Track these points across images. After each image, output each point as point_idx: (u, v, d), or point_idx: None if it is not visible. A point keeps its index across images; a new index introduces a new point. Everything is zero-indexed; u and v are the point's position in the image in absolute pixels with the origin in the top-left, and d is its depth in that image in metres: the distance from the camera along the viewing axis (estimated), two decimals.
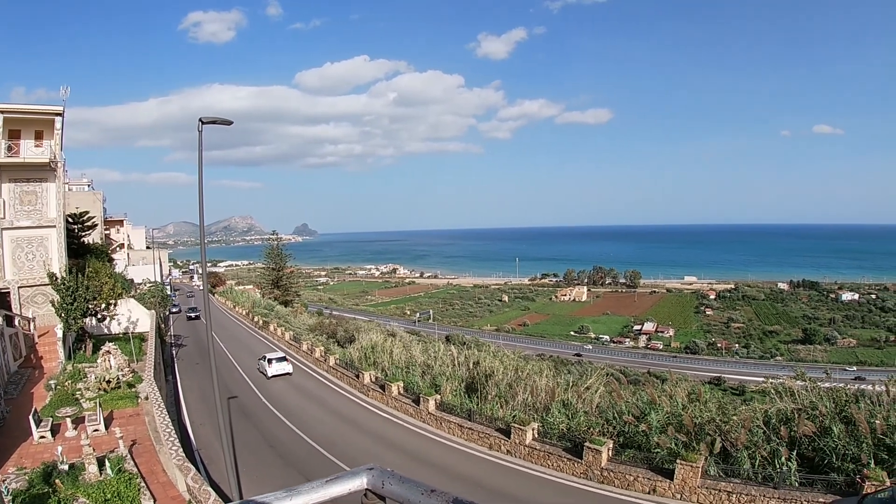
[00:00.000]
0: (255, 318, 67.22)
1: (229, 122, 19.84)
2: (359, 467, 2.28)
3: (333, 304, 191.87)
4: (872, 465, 17.14)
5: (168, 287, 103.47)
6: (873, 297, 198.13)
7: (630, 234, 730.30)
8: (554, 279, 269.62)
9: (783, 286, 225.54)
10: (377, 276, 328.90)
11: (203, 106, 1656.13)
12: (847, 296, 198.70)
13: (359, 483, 2.25)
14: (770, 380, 25.31)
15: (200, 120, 18.92)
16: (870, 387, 21.61)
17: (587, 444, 21.27)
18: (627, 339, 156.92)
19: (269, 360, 41.07)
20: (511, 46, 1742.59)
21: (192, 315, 72.16)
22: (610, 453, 21.26)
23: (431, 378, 32.75)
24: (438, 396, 29.54)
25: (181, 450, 19.36)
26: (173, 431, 21.37)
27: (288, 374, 40.72)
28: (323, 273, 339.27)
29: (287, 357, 44.06)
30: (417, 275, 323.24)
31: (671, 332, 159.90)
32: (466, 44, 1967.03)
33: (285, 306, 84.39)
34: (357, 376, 37.19)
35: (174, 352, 49.24)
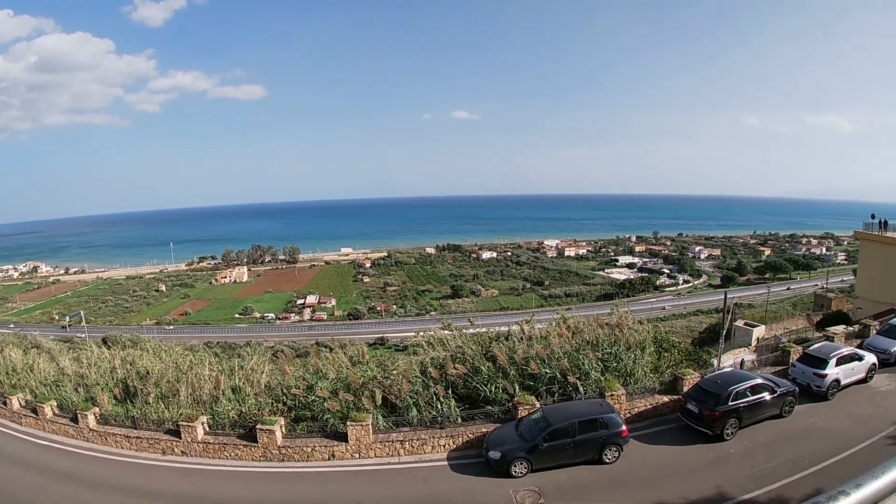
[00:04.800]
0: None
1: None
2: None
3: None
4: (521, 392, 19.78)
5: None
6: (509, 254, 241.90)
7: (279, 212, 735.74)
8: (213, 262, 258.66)
9: (430, 250, 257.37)
10: (16, 277, 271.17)
11: None
12: (486, 254, 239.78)
13: None
14: (420, 333, 27.62)
15: None
16: (513, 328, 24.70)
17: (259, 426, 20.55)
18: (293, 315, 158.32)
19: None
20: (169, 14, 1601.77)
21: None
22: (283, 430, 20.86)
23: (86, 390, 28.48)
24: (97, 409, 25.63)
25: None
26: None
27: None
28: None
29: None
30: (62, 271, 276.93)
31: (333, 302, 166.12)
32: (121, 6, 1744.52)
33: None
34: (4, 403, 30.63)
35: None
